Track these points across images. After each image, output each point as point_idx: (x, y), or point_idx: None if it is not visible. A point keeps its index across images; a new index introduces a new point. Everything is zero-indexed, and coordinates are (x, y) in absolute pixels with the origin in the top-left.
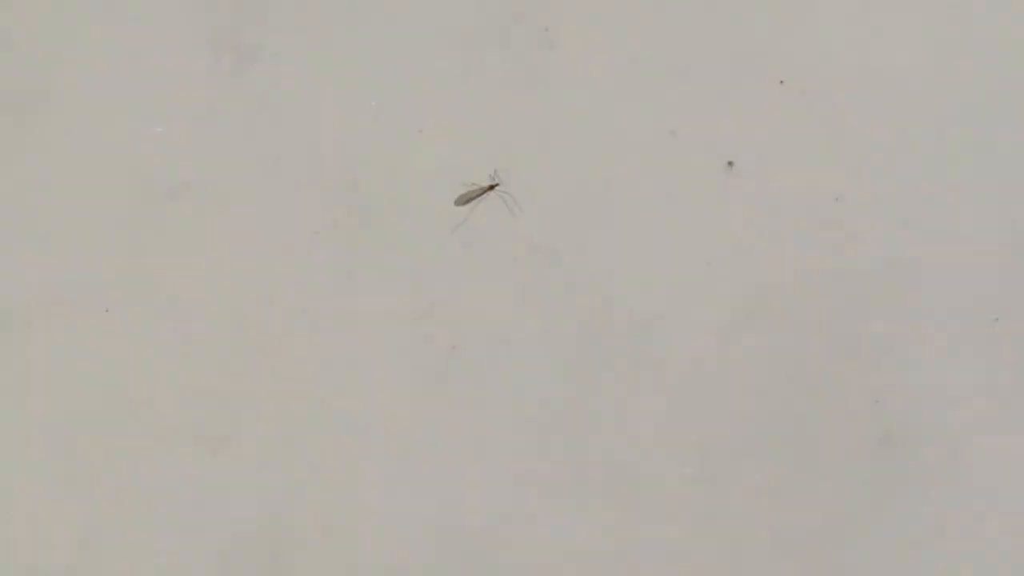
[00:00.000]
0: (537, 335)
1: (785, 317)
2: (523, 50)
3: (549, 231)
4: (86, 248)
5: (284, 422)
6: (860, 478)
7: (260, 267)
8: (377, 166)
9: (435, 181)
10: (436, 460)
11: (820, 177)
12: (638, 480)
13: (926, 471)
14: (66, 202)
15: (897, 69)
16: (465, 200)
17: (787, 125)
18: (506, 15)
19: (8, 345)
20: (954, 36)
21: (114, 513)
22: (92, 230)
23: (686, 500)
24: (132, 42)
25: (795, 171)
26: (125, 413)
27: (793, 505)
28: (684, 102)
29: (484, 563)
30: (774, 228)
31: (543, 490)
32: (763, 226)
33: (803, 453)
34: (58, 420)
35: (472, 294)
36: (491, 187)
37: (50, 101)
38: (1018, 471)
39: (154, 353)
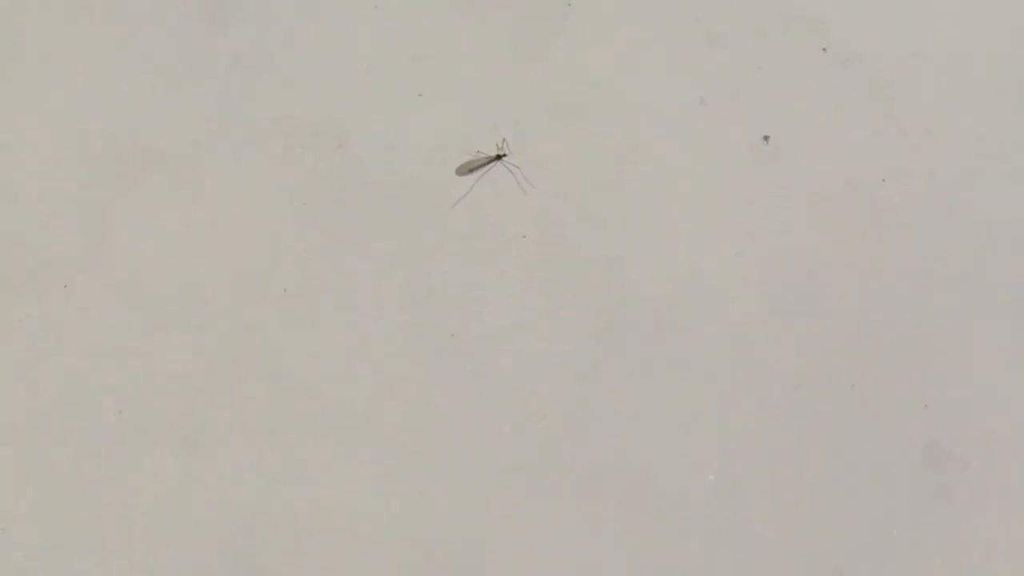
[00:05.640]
0: (545, 324)
1: (822, 310)
2: (537, 5)
3: (561, 208)
4: (43, 219)
5: (264, 416)
6: (903, 493)
7: (238, 243)
8: (371, 132)
9: (436, 149)
10: (431, 460)
11: (865, 155)
12: (653, 488)
13: (976, 486)
14: (24, 169)
15: (953, 37)
16: (468, 170)
17: (829, 97)
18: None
19: None
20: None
21: (78, 515)
22: (49, 199)
23: (707, 511)
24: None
25: (837, 148)
26: (87, 404)
27: (826, 520)
28: (714, 67)
29: (479, 573)
30: (812, 211)
31: (548, 496)
32: (800, 209)
33: (839, 463)
34: (11, 412)
35: (474, 276)
36: (497, 157)
37: (8, 63)
38: None
39: (120, 337)
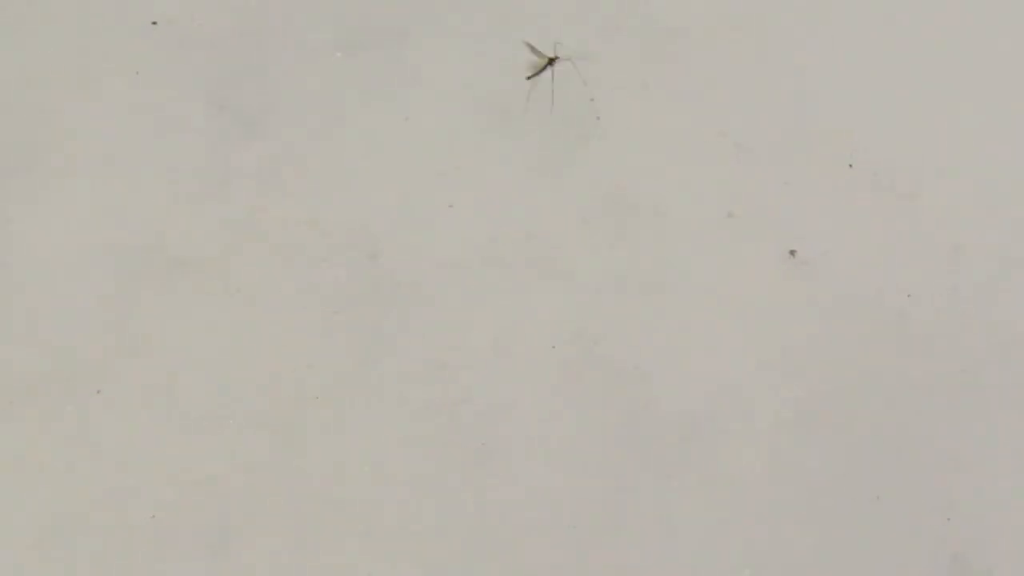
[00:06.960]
0: (574, 433)
1: (847, 422)
2: (567, 120)
3: (589, 320)
4: (74, 326)
5: (296, 521)
6: None
7: (269, 351)
8: (402, 242)
9: (465, 260)
10: (460, 566)
11: (891, 270)
12: None
13: None
14: (56, 276)
15: (979, 152)
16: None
17: (856, 212)
18: (549, 82)
19: None
20: None
21: None
22: (80, 306)
23: None
24: (130, 107)
25: (863, 263)
26: (119, 508)
27: None
28: (742, 181)
29: None
30: (838, 325)
31: None
32: (826, 322)
33: (865, 574)
34: (45, 515)
35: (504, 386)
36: (551, 60)
37: (40, 169)
38: None
39: (152, 442)
